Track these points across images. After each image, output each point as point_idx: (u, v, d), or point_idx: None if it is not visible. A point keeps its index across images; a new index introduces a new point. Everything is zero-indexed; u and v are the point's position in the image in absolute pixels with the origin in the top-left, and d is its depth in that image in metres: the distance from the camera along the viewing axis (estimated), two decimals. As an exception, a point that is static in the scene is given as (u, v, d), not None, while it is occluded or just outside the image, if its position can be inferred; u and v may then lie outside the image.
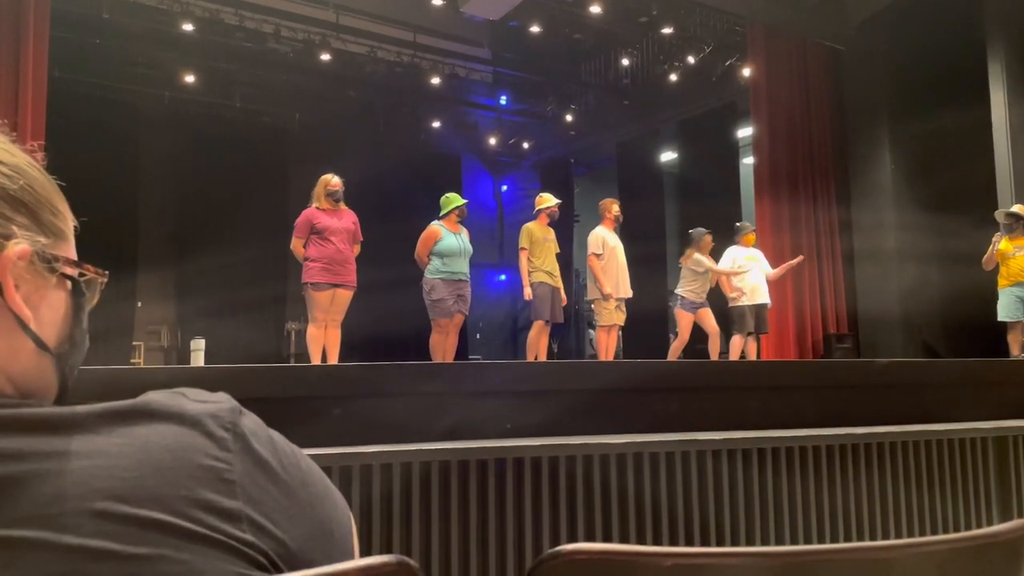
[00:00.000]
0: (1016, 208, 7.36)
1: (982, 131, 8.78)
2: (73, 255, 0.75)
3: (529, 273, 6.84)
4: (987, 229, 7.51)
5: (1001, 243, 7.25)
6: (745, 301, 7.77)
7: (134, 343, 10.31)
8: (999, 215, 7.36)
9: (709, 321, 7.71)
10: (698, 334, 9.71)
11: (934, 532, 2.94)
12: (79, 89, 9.97)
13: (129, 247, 10.48)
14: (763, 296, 7.87)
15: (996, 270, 7.32)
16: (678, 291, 7.72)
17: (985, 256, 7.28)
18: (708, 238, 7.75)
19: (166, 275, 10.99)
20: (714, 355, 7.62)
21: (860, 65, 10.18)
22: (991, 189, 8.60)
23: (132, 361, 9.79)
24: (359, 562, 0.60)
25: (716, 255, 8.04)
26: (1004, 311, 7.21)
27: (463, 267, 6.50)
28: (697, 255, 7.67)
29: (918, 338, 9.44)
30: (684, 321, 7.65)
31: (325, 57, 10.46)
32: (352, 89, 11.63)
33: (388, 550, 2.25)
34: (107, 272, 0.77)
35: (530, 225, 7.00)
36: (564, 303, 7.18)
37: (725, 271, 7.67)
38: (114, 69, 10.13)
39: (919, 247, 9.35)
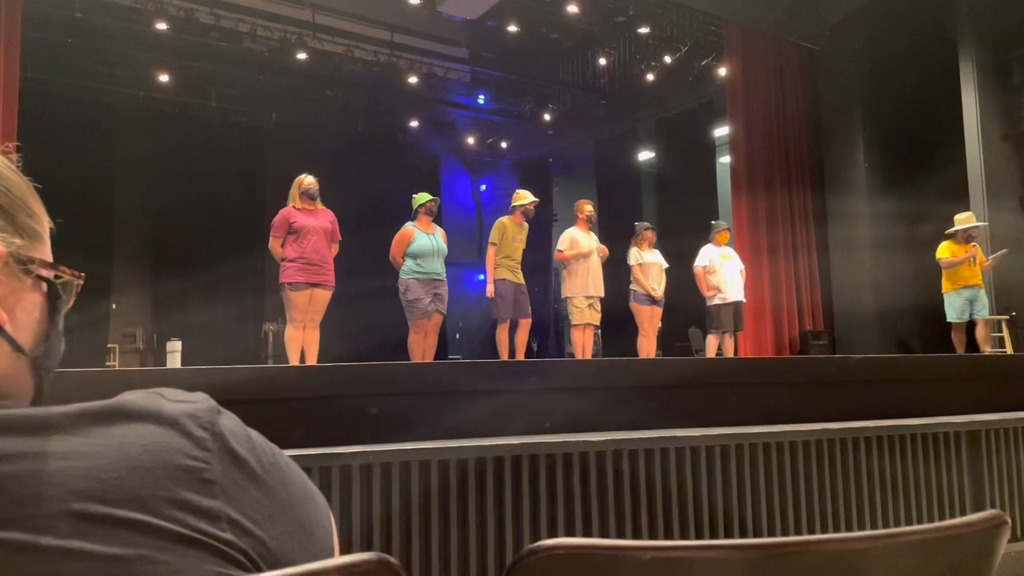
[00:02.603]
0: (969, 216, 7.54)
1: (954, 129, 8.91)
2: (49, 257, 0.74)
3: (495, 268, 6.82)
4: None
5: (951, 250, 7.38)
6: (720, 300, 7.80)
7: (109, 345, 10.19)
8: (968, 222, 7.42)
9: (652, 320, 7.70)
10: (673, 332, 9.73)
11: (909, 523, 2.98)
12: (52, 90, 9.85)
13: (104, 248, 10.35)
14: (738, 294, 7.91)
15: (938, 274, 7.51)
16: (631, 285, 7.71)
17: (949, 260, 7.40)
18: (648, 233, 7.73)
19: (141, 277, 10.88)
20: (641, 353, 7.60)
21: (834, 65, 10.28)
22: (963, 186, 8.73)
23: (107, 364, 9.67)
24: (339, 560, 0.59)
25: (691, 252, 8.06)
26: (954, 312, 7.44)
27: (437, 267, 6.49)
28: (633, 248, 7.67)
29: (892, 334, 9.56)
30: (638, 315, 7.64)
31: (301, 56, 10.41)
32: (329, 89, 11.57)
33: (369, 549, 2.24)
34: (83, 274, 0.76)
35: (504, 220, 6.97)
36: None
37: (635, 266, 7.61)
38: (87, 69, 10.02)
39: (893, 244, 9.47)
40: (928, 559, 0.77)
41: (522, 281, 6.95)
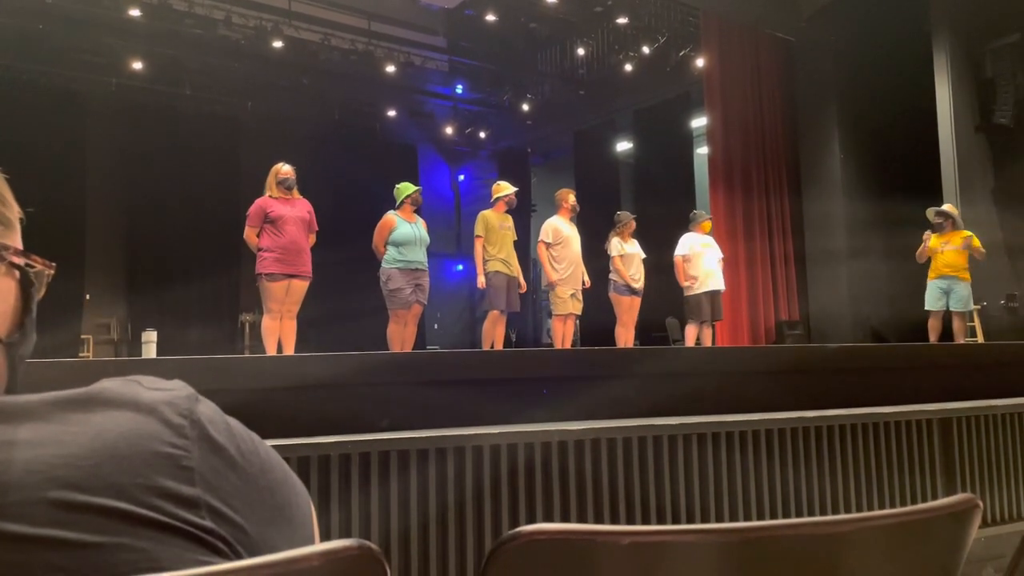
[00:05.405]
0: (946, 207, 7.74)
1: (927, 121, 9.00)
2: (20, 245, 0.73)
3: (485, 262, 6.81)
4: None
5: (931, 239, 7.60)
6: (699, 289, 7.81)
7: (83, 336, 10.07)
8: (929, 213, 7.69)
9: (632, 311, 7.68)
10: (651, 321, 9.73)
11: (883, 508, 3.02)
12: (22, 77, 9.69)
13: (76, 238, 10.21)
14: (717, 283, 7.93)
15: (927, 263, 7.69)
16: (610, 275, 7.69)
17: (918, 251, 7.70)
18: (632, 223, 7.71)
19: (115, 267, 10.76)
20: (619, 343, 7.57)
21: (810, 56, 10.35)
22: (936, 177, 8.83)
23: (81, 354, 9.56)
24: (320, 547, 0.59)
25: (668, 242, 8.07)
26: (928, 301, 7.68)
27: (420, 256, 6.44)
28: (614, 239, 7.65)
29: (866, 324, 9.66)
30: (618, 305, 7.62)
31: (277, 44, 10.29)
32: (306, 77, 11.47)
33: (348, 537, 2.24)
34: (55, 263, 0.75)
35: (486, 213, 6.95)
36: (523, 290, 7.13)
37: (616, 256, 7.58)
38: (59, 56, 9.85)
39: (867, 235, 9.57)
40: (902, 542, 0.78)
41: (515, 274, 6.92)
